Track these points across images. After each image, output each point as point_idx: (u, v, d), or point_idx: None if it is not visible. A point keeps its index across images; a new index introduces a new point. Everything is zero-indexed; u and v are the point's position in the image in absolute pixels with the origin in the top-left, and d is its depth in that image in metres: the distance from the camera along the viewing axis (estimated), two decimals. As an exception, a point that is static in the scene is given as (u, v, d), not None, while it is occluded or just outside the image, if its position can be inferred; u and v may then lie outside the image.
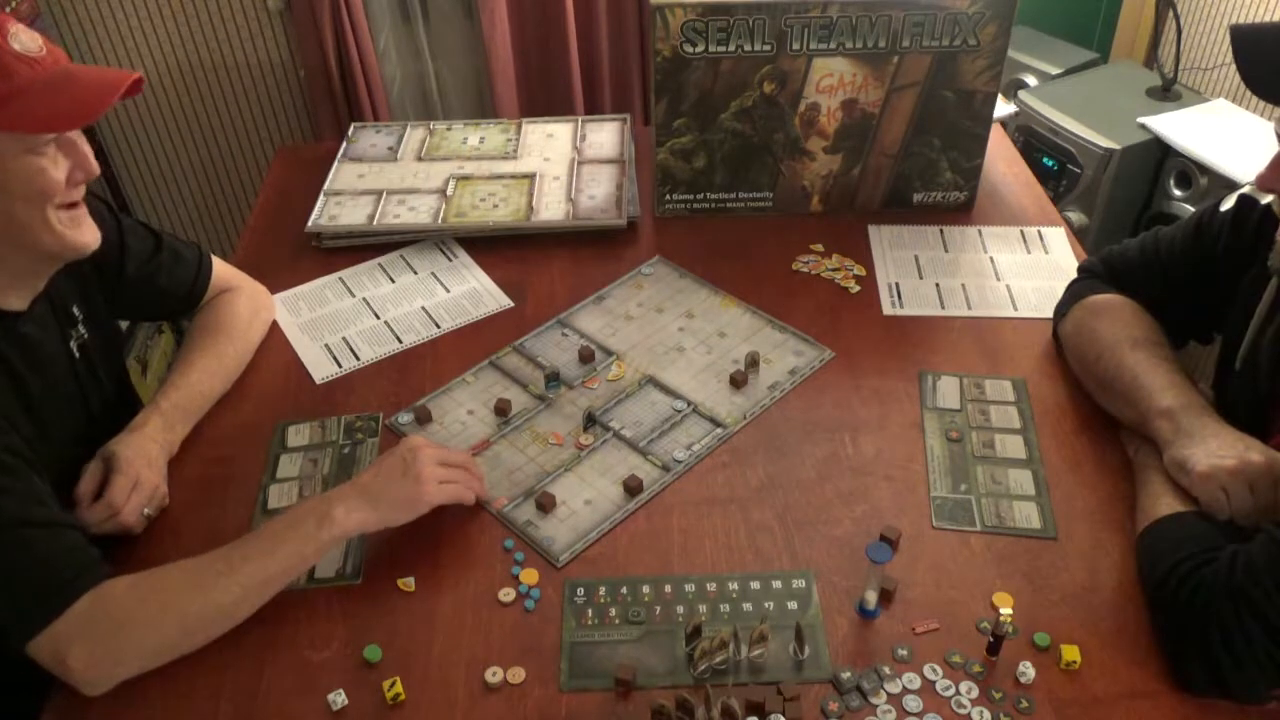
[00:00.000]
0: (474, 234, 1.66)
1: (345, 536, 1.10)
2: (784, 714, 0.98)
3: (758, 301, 1.52)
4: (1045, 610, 1.08)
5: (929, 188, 1.69)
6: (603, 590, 1.12)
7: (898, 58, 1.55)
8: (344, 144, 1.87)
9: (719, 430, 1.31)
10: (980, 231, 1.67)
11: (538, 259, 1.63)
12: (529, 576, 1.13)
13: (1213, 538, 1.03)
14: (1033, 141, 2.55)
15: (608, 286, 1.57)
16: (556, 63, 2.47)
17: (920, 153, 1.65)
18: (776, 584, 1.12)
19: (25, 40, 1.03)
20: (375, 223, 1.65)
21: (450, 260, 1.63)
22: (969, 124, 1.62)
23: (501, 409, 1.34)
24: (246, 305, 1.44)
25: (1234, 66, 1.04)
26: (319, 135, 2.54)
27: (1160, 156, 2.41)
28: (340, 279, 1.60)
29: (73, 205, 1.10)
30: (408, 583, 1.13)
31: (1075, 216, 2.49)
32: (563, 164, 1.78)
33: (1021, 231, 1.66)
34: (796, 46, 1.54)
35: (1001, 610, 1.02)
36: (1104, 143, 2.39)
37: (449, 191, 1.71)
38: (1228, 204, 1.22)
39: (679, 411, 1.34)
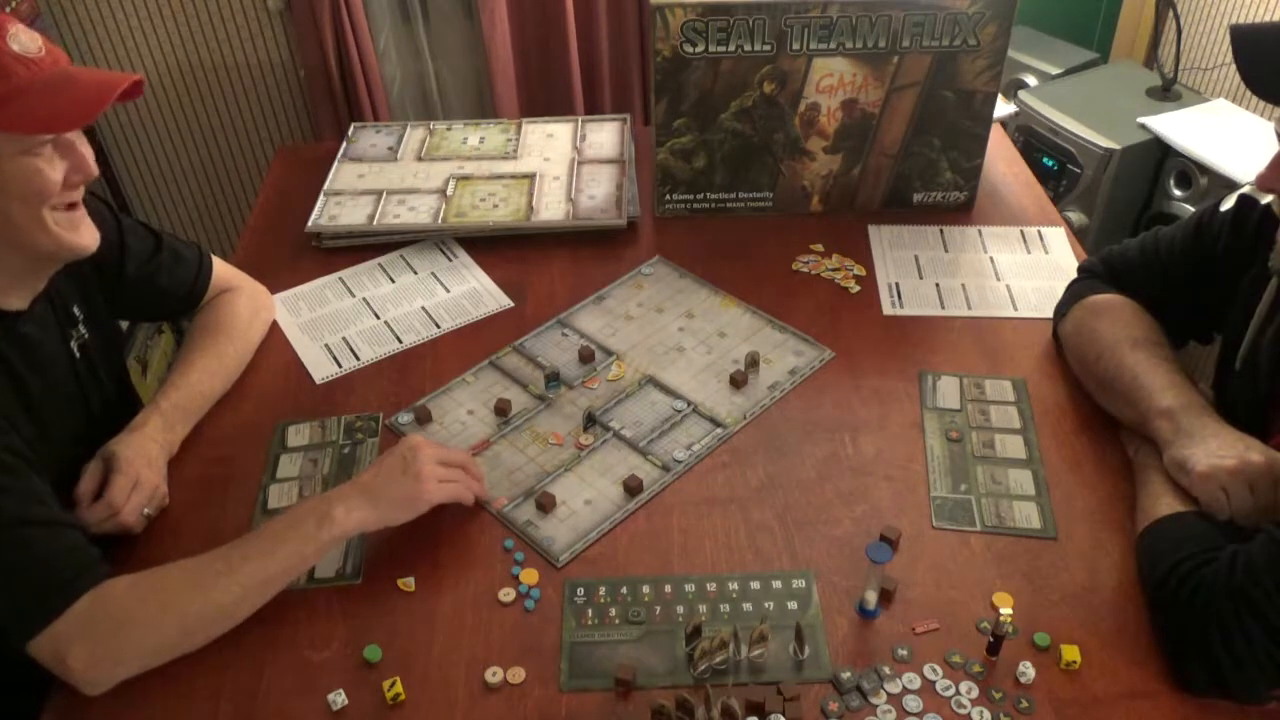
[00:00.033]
0: (474, 234, 1.66)
1: (345, 536, 1.10)
2: (784, 714, 0.98)
3: (758, 301, 1.52)
4: (1045, 610, 1.08)
5: (929, 188, 1.69)
6: (603, 590, 1.12)
7: (898, 58, 1.55)
8: (344, 144, 1.87)
9: (719, 430, 1.31)
10: (980, 231, 1.67)
11: (538, 259, 1.63)
12: (529, 576, 1.13)
13: (1213, 538, 1.03)
14: (1033, 141, 2.55)
15: (608, 286, 1.57)
16: (556, 63, 2.47)
17: (920, 153, 1.65)
18: (776, 584, 1.12)
19: (25, 41, 1.02)
20: (375, 223, 1.65)
21: (450, 260, 1.63)
22: (969, 124, 1.62)
23: (501, 409, 1.34)
24: (247, 305, 1.44)
25: (1234, 66, 1.04)
26: (319, 135, 2.54)
27: (1160, 156, 2.41)
28: (340, 279, 1.60)
29: (71, 207, 1.09)
30: (408, 583, 1.13)
31: (1075, 216, 2.49)
32: (563, 164, 1.78)
33: (1021, 231, 1.66)
34: (796, 46, 1.54)
35: (1001, 610, 1.02)
36: (1104, 143, 2.39)
37: (449, 191, 1.71)
38: (1228, 204, 1.22)
39: (679, 411, 1.34)
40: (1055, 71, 2.69)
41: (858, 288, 1.55)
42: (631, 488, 1.23)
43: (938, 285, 1.55)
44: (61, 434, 1.18)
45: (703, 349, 1.44)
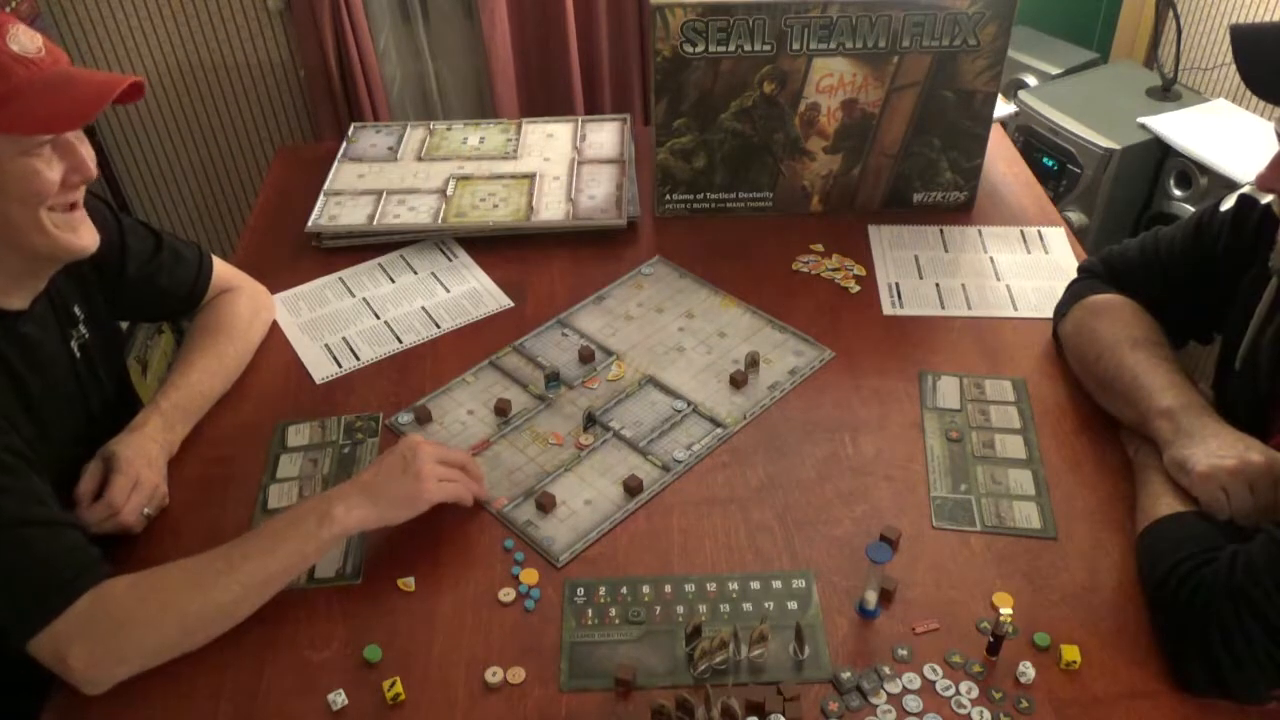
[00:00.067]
0: (474, 234, 1.66)
1: (346, 535, 1.10)
2: (784, 714, 0.98)
3: (758, 301, 1.52)
4: (1045, 610, 1.08)
5: (929, 188, 1.69)
6: (603, 590, 1.12)
7: (898, 58, 1.55)
8: (344, 144, 1.87)
9: (719, 430, 1.31)
10: (980, 231, 1.67)
11: (538, 259, 1.63)
12: (529, 576, 1.13)
13: (1213, 538, 1.03)
14: (1033, 141, 2.55)
15: (608, 286, 1.57)
16: (556, 63, 2.47)
17: (920, 153, 1.65)
18: (776, 584, 1.12)
19: (24, 41, 1.02)
20: (375, 223, 1.65)
21: (450, 260, 1.63)
22: (969, 124, 1.62)
23: (501, 409, 1.34)
24: (247, 305, 1.44)
25: (1234, 66, 1.04)
26: (319, 135, 2.54)
27: (1160, 156, 2.41)
28: (340, 279, 1.60)
29: (71, 207, 1.09)
30: (408, 583, 1.13)
31: (1075, 216, 2.49)
32: (563, 164, 1.78)
33: (1021, 231, 1.66)
34: (796, 46, 1.54)
35: (1001, 610, 1.02)
36: (1104, 143, 2.39)
37: (449, 191, 1.71)
38: (1228, 204, 1.22)
39: (679, 411, 1.34)
40: (1055, 71, 2.69)
41: (858, 288, 1.55)
42: (631, 488, 1.23)
43: (938, 285, 1.55)
44: (61, 434, 1.18)
45: (703, 349, 1.44)
